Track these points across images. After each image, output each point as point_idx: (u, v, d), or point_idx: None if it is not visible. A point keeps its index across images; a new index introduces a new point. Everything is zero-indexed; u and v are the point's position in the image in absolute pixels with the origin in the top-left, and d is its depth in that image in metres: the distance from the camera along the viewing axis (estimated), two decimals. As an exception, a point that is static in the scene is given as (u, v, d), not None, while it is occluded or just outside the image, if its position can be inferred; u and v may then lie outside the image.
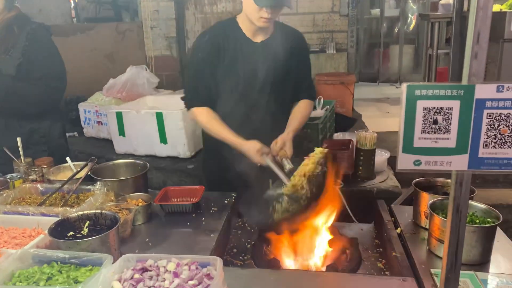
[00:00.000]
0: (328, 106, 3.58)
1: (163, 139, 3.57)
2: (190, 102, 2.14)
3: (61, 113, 2.76)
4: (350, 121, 4.15)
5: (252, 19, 1.97)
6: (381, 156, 2.98)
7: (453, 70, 4.67)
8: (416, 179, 1.87)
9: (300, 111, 2.22)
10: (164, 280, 1.24)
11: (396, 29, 6.95)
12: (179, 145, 3.57)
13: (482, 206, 1.61)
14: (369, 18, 7.07)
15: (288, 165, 1.89)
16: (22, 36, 2.34)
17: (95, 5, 7.12)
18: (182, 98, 2.18)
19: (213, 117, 2.07)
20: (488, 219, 1.58)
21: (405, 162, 1.01)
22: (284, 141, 2.00)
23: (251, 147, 1.95)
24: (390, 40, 7.01)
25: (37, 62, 2.36)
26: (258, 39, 2.09)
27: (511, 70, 3.99)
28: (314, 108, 3.51)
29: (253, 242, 1.87)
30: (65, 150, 2.61)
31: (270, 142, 2.00)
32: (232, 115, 2.06)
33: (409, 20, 6.89)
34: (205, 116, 2.08)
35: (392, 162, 3.14)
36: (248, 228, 2.04)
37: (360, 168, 2.81)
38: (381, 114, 5.11)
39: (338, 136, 3.44)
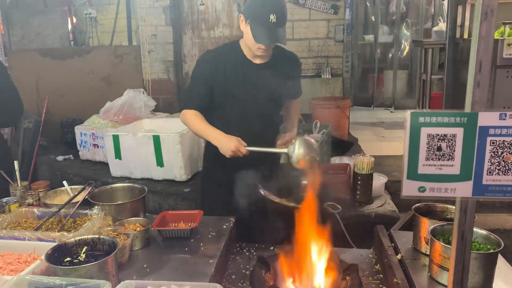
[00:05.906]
0: (325, 130, 3.58)
1: (160, 162, 3.56)
2: (183, 105, 2.33)
3: None
4: (346, 145, 4.16)
5: (251, 48, 2.19)
6: (378, 181, 2.98)
7: (447, 95, 4.73)
8: (416, 204, 1.85)
9: (296, 111, 2.57)
10: (164, 308, 1.21)
11: (390, 55, 7.05)
12: (175, 168, 3.56)
13: (483, 232, 1.61)
14: (363, 44, 7.17)
15: None
16: None
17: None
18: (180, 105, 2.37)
19: (198, 116, 2.24)
20: (489, 246, 1.57)
21: (410, 188, 1.01)
22: (291, 138, 2.22)
23: (230, 143, 2.08)
24: (384, 66, 7.09)
25: None
26: (258, 61, 2.26)
27: (504, 95, 4.05)
28: (311, 132, 3.53)
29: (251, 268, 1.84)
30: None
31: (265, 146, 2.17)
32: (229, 124, 2.24)
33: (402, 46, 7.00)
34: (191, 115, 2.25)
35: (389, 186, 3.14)
36: (247, 254, 2.02)
37: (358, 192, 2.80)
38: (376, 138, 5.13)
39: (335, 160, 3.44)
